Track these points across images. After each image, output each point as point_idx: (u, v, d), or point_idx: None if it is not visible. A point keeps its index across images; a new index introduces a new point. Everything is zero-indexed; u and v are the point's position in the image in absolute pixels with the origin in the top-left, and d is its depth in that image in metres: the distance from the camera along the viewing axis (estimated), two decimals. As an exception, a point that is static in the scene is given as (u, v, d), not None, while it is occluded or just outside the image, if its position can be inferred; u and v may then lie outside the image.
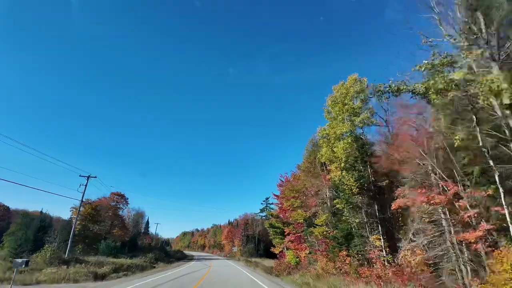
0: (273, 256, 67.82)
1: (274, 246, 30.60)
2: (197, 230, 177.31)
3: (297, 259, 24.00)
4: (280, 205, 26.81)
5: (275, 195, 26.79)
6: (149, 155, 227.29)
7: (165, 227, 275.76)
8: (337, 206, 15.46)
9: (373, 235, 14.63)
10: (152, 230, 79.63)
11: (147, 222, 79.16)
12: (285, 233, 25.44)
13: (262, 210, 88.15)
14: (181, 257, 56.71)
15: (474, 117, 9.07)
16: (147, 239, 66.14)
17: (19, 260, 13.02)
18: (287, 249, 28.53)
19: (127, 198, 51.50)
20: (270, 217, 27.37)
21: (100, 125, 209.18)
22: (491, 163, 8.82)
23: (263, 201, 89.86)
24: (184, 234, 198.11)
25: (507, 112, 7.37)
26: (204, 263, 37.78)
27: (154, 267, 30.23)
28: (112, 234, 47.07)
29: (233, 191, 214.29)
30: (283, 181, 27.77)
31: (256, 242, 68.45)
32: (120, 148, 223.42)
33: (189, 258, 56.33)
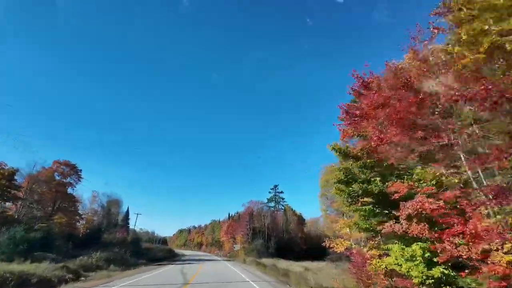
0: (286, 256, 51.35)
1: (329, 238, 14.52)
2: (194, 227, 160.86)
3: (444, 270, 7.57)
4: (365, 132, 10.32)
5: (348, 106, 10.56)
6: (144, 154, 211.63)
7: (163, 225, 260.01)
8: None
9: None
10: (136, 223, 63.37)
11: (127, 213, 62.87)
12: (391, 198, 8.89)
13: (270, 200, 71.59)
14: (163, 258, 40.45)
15: None
16: (121, 232, 49.84)
17: None
18: (366, 247, 12.45)
19: (80, 171, 35.26)
20: (338, 155, 10.46)
21: (95, 123, 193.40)
22: None
23: (271, 189, 73.52)
24: (181, 231, 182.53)
25: None
26: (186, 269, 21.47)
27: (71, 279, 13.95)
28: (52, 222, 30.97)
29: (233, 188, 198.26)
30: (364, 80, 11.36)
31: (266, 238, 52.19)
32: (114, 147, 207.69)
33: (174, 259, 40.03)
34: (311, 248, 69.07)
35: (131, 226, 62.71)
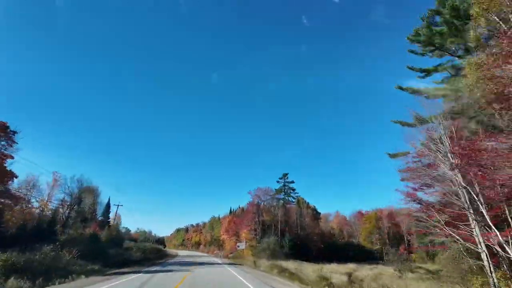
0: (302, 257, 39.62)
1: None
2: (192, 225, 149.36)
3: None
4: None
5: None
6: (139, 153, 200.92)
7: (164, 225, 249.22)
8: None
9: None
10: (115, 216, 52.03)
11: (108, 206, 51.56)
12: None
13: (279, 191, 60.55)
14: (141, 260, 29.27)
15: None
16: (92, 227, 38.70)
17: None
18: None
19: (13, 133, 24.03)
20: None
21: (92, 123, 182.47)
22: None
23: (280, 178, 62.19)
24: (178, 230, 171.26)
25: None
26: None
27: None
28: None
29: (235, 184, 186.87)
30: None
31: (279, 235, 41.01)
32: (109, 147, 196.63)
33: (155, 262, 28.90)
34: (326, 247, 58.16)
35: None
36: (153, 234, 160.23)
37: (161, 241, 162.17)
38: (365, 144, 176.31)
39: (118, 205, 46.62)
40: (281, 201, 50.26)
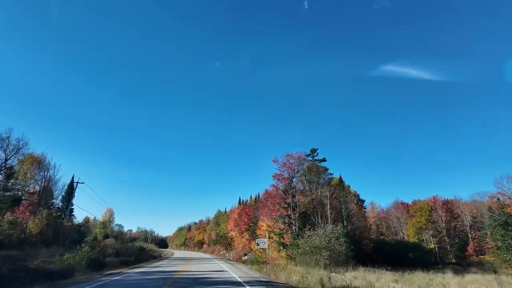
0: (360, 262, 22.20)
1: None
2: (195, 223, 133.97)
3: None
4: None
5: None
6: (139, 152, 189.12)
7: (166, 225, 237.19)
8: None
9: None
10: (73, 198, 36.36)
11: (70, 187, 36.24)
12: None
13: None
14: (64, 272, 13.66)
15: None
16: (20, 210, 23.56)
17: None
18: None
19: None
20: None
21: (90, 123, 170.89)
22: None
23: (307, 155, 46.38)
24: (180, 229, 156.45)
25: None
26: None
27: None
28: None
29: (241, 178, 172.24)
30: None
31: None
32: (109, 148, 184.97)
33: (85, 278, 13.10)
34: (374, 246, 42.33)
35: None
36: (155, 234, 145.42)
37: (163, 241, 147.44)
38: (393, 129, 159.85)
39: (78, 182, 30.96)
40: (323, 177, 34.44)
